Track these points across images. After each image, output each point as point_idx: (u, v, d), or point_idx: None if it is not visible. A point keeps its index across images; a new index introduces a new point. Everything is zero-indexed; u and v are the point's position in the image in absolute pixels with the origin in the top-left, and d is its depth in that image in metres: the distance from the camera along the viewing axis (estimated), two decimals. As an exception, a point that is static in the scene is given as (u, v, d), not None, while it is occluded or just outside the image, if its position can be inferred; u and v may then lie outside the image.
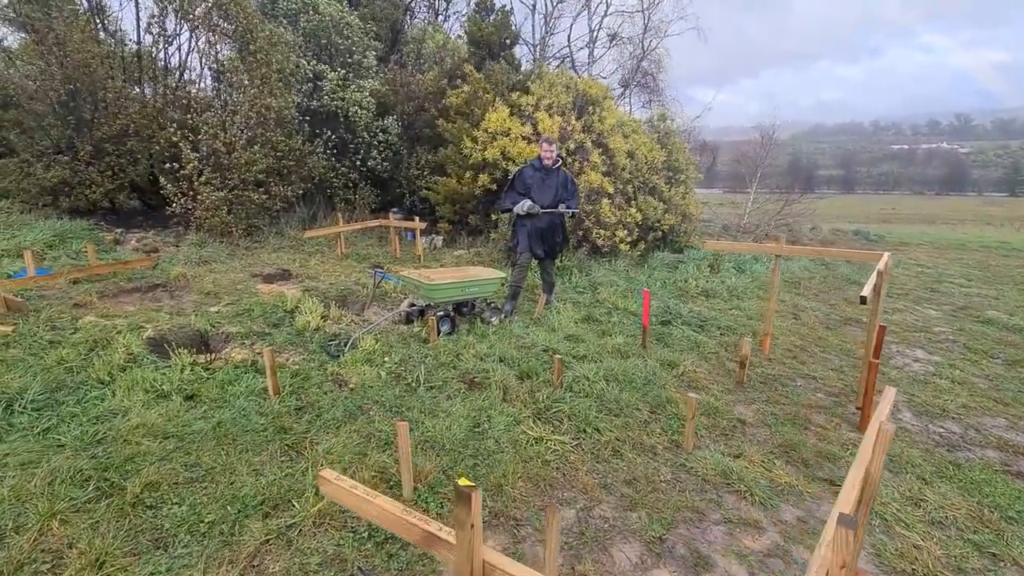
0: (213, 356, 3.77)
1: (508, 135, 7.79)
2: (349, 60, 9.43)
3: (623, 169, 8.89)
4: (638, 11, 16.59)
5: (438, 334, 4.38)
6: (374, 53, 9.89)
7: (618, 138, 8.97)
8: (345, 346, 4.04)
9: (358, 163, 9.32)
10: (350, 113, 8.90)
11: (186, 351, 3.74)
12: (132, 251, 6.47)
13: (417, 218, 7.39)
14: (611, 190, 8.10)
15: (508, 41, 10.40)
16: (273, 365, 3.11)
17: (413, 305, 4.82)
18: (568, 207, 5.25)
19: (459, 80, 9.71)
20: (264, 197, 7.42)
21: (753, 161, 13.74)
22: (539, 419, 3.19)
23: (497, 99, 8.29)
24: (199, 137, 6.87)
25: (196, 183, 6.79)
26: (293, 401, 3.15)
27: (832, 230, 18.38)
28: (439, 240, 8.84)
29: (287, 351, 4.02)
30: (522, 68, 10.66)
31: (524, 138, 7.70)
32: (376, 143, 9.36)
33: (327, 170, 9.14)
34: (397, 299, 5.63)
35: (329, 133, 8.96)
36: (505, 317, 5.03)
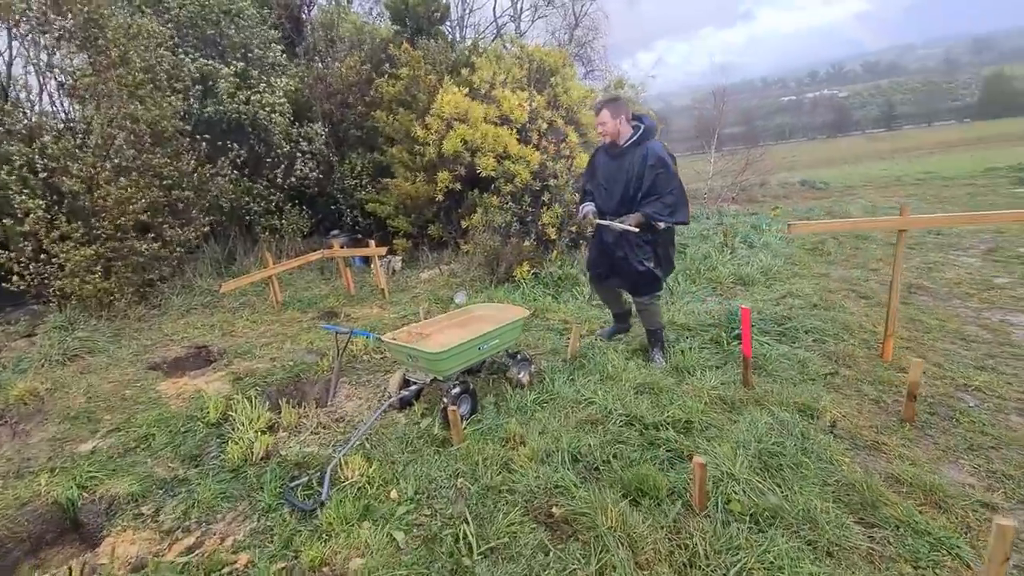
0: (83, 567, 2.06)
1: (466, 120, 6.22)
2: (248, 55, 7.42)
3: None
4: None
5: (461, 421, 2.85)
6: (279, 47, 7.90)
7: (587, 111, 7.66)
8: (322, 486, 2.43)
9: (278, 180, 7.39)
10: (260, 119, 6.94)
11: (28, 567, 2.03)
12: (-45, 357, 4.36)
13: (372, 241, 5.68)
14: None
15: (438, 15, 8.78)
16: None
17: (408, 383, 3.24)
18: (654, 214, 3.22)
19: (387, 64, 7.98)
20: (156, 245, 5.41)
21: (709, 124, 12.91)
22: (719, 598, 1.78)
23: (445, 79, 6.67)
24: (37, 175, 4.76)
25: (45, 240, 4.72)
26: None
27: (780, 183, 18.13)
28: (397, 262, 7.15)
29: (222, 517, 2.36)
30: (457, 46, 9.09)
31: (490, 121, 6.17)
32: (299, 152, 7.44)
33: (239, 194, 7.14)
34: (372, 363, 4.00)
35: (236, 147, 6.97)
36: (599, 337, 4.09)
